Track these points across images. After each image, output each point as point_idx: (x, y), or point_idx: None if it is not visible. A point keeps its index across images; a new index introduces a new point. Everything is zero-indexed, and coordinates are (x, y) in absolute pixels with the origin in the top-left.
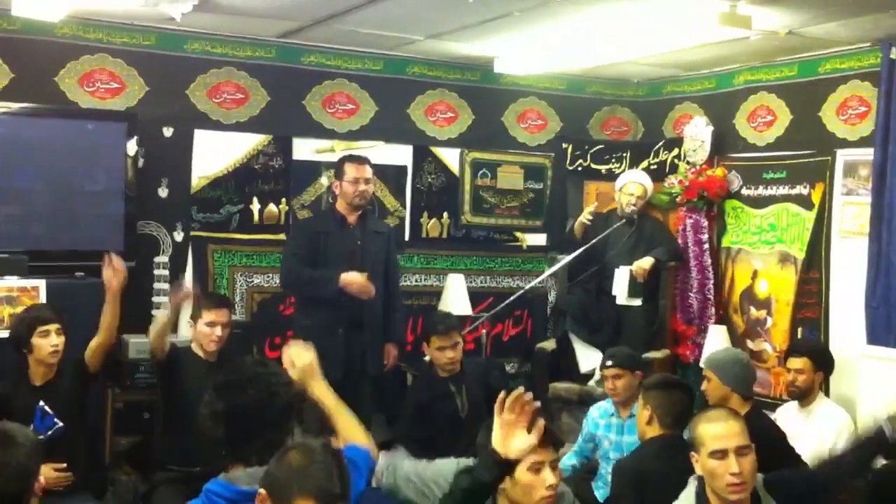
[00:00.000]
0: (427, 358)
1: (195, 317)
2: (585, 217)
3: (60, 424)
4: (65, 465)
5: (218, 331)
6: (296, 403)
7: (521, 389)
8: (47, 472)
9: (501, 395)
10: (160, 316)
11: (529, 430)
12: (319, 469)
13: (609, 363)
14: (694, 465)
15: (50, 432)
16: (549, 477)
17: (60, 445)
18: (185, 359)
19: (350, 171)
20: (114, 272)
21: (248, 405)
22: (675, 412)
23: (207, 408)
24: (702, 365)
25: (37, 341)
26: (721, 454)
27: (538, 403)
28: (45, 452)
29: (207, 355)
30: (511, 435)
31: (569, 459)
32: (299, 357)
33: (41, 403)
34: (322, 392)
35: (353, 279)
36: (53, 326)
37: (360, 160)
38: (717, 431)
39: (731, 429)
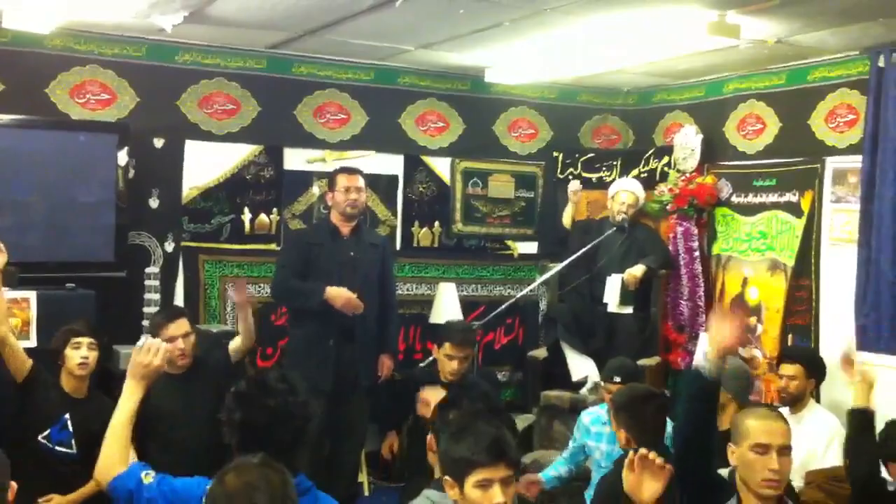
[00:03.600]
0: (422, 365)
1: (154, 337)
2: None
3: (74, 452)
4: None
5: (180, 343)
6: (309, 426)
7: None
8: None
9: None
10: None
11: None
12: (253, 490)
13: (617, 379)
14: (728, 456)
15: (61, 449)
16: (496, 495)
17: (68, 467)
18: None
19: (341, 180)
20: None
21: (263, 421)
22: (650, 429)
23: (226, 413)
24: None
25: (68, 352)
26: (764, 449)
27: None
28: (51, 468)
29: (178, 369)
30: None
31: (556, 468)
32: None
33: (67, 416)
34: None
35: (337, 294)
36: (86, 340)
37: (352, 170)
38: (765, 426)
39: (779, 427)
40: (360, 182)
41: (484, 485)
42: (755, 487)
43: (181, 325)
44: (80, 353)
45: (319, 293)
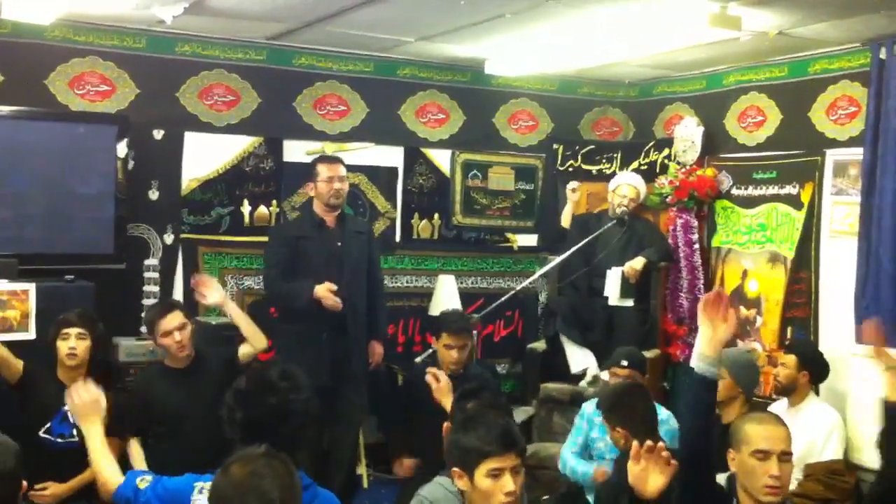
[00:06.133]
0: (418, 359)
1: (151, 333)
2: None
3: (77, 439)
4: (48, 491)
5: (177, 336)
6: (311, 421)
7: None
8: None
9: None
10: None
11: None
12: (260, 479)
13: (625, 363)
14: (728, 462)
15: (62, 440)
16: (507, 483)
17: (70, 457)
18: (158, 374)
19: (323, 170)
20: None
21: (265, 418)
22: (645, 419)
23: (227, 412)
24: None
25: (58, 343)
26: (764, 455)
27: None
28: (55, 461)
29: (180, 363)
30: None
31: (582, 463)
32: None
33: (66, 408)
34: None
35: (325, 295)
36: (74, 330)
37: (333, 160)
38: (766, 432)
39: (780, 433)
40: (343, 171)
41: (495, 474)
42: (756, 494)
43: (175, 318)
44: (67, 344)
45: (309, 291)
